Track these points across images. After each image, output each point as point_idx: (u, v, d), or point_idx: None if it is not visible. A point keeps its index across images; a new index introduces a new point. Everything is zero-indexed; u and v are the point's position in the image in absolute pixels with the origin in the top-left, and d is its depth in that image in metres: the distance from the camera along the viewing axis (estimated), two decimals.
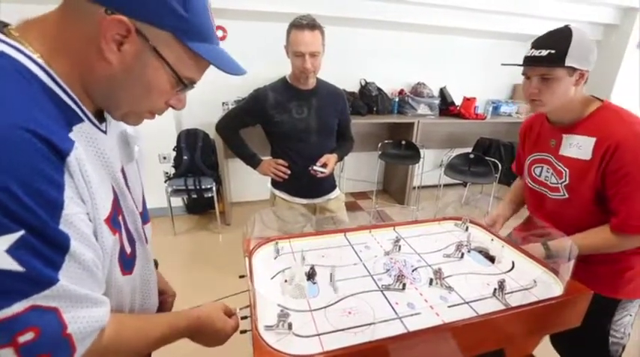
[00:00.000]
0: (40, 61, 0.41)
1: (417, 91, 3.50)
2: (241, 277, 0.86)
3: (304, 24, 1.24)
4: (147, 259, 0.64)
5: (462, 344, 0.70)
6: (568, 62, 0.86)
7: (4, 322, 0.35)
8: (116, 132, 0.58)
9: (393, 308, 0.73)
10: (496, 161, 2.74)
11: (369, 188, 3.82)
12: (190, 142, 2.80)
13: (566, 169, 0.98)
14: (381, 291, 0.79)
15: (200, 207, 3.13)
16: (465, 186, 3.56)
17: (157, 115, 0.56)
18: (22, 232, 0.35)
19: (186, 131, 2.85)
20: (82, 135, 0.45)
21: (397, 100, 3.52)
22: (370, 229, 1.07)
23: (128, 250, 0.55)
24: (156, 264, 0.77)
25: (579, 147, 0.94)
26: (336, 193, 1.65)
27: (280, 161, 1.47)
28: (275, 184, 1.57)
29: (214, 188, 2.74)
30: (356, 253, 0.96)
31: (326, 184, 1.58)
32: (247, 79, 3.53)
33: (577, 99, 0.95)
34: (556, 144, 1.01)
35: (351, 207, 3.58)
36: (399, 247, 0.95)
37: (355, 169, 3.75)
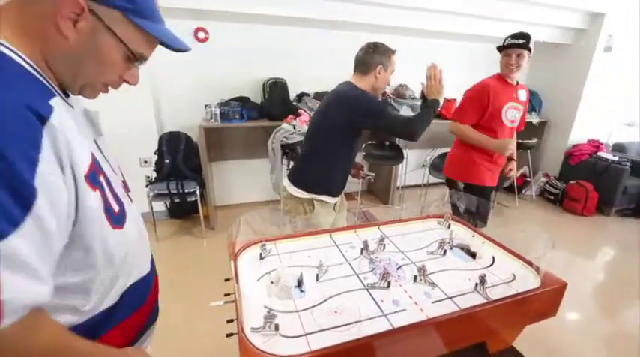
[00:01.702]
0: (7, 44, 0.45)
1: (400, 92, 3.56)
2: (227, 280, 0.85)
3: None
4: (136, 219, 0.65)
5: (446, 338, 0.72)
6: (530, 46, 1.72)
7: None
8: (80, 109, 0.61)
9: (378, 306, 0.75)
10: None
11: (354, 189, 3.85)
12: (172, 146, 2.74)
13: (521, 106, 1.88)
14: (367, 289, 0.80)
15: (183, 211, 3.06)
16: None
17: (111, 89, 0.60)
18: None
19: (168, 134, 2.79)
20: (58, 105, 0.47)
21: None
22: (355, 228, 1.09)
23: (116, 208, 0.55)
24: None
25: (523, 94, 1.90)
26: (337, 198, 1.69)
27: None
28: (312, 188, 1.47)
29: (198, 192, 2.70)
30: (342, 252, 0.96)
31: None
32: (229, 81, 3.50)
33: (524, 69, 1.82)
34: (516, 95, 1.85)
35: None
36: (384, 245, 0.97)
37: None
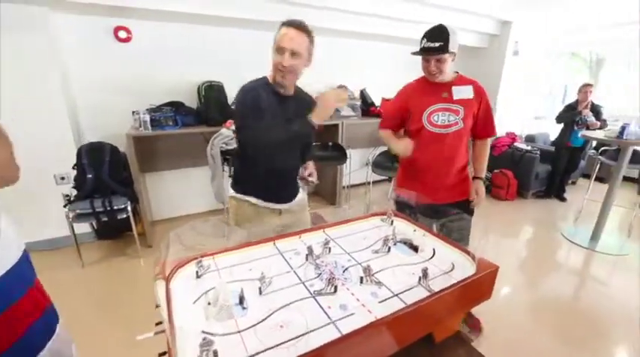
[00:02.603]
0: None
1: None
2: (158, 306, 0.76)
3: (294, 22, 1.24)
4: None
5: (396, 336, 0.72)
6: (450, 49, 1.42)
7: None
8: None
9: (326, 313, 0.72)
10: None
11: None
12: (95, 158, 2.44)
13: (461, 107, 1.53)
14: (314, 297, 0.77)
15: (114, 231, 2.76)
16: (391, 181, 3.80)
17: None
18: None
19: (89, 145, 2.49)
20: None
21: None
22: (300, 234, 1.05)
23: None
24: None
25: (465, 91, 1.54)
26: (302, 194, 1.55)
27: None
28: (242, 188, 1.41)
29: (129, 207, 2.44)
30: (286, 261, 0.92)
31: (293, 188, 1.49)
32: (159, 85, 3.25)
33: (451, 68, 1.54)
34: (448, 95, 1.54)
35: None
36: (329, 249, 0.95)
37: None
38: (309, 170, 1.46)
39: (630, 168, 2.98)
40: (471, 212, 1.66)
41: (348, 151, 3.15)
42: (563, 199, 4.12)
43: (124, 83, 2.76)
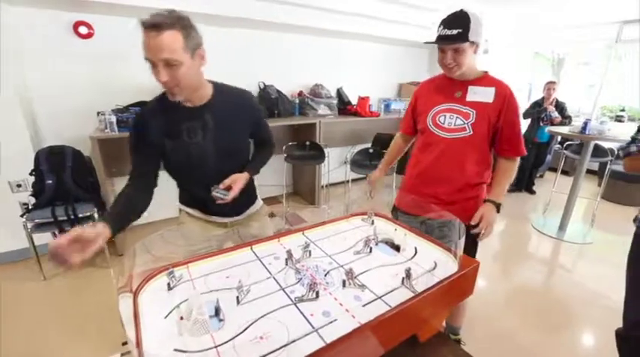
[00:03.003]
0: None
1: (316, 92, 3.59)
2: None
3: (152, 22, 0.90)
4: None
5: (381, 340, 0.69)
6: (470, 38, 1.16)
7: None
8: None
9: (308, 321, 0.68)
10: None
11: (279, 192, 3.77)
12: (55, 163, 2.28)
13: (472, 110, 1.26)
14: (295, 304, 0.73)
15: None
16: None
17: None
18: None
19: (49, 149, 2.31)
20: None
21: (298, 101, 3.55)
22: (279, 237, 1.01)
23: None
24: None
25: (483, 94, 1.26)
26: (258, 205, 1.40)
27: None
28: (187, 201, 1.29)
29: (96, 215, 2.29)
30: (265, 266, 0.88)
31: (245, 199, 1.29)
32: (127, 84, 3.09)
33: (474, 62, 1.26)
34: (462, 94, 1.28)
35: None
36: (310, 252, 0.91)
37: (263, 174, 3.63)
38: (226, 184, 1.12)
39: (592, 161, 3.15)
40: (473, 239, 1.26)
41: (325, 150, 3.13)
42: (532, 192, 4.30)
43: (87, 83, 2.59)
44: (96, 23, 2.51)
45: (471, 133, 1.26)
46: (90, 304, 2.06)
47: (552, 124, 3.78)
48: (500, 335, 1.87)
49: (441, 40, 1.20)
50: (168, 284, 0.78)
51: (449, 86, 1.32)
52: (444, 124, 1.30)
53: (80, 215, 2.23)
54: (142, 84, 2.80)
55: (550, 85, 3.85)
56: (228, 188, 1.11)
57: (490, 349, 1.76)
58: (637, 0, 3.58)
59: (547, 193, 3.96)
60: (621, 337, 1.26)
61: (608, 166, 3.36)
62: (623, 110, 4.86)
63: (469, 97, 1.27)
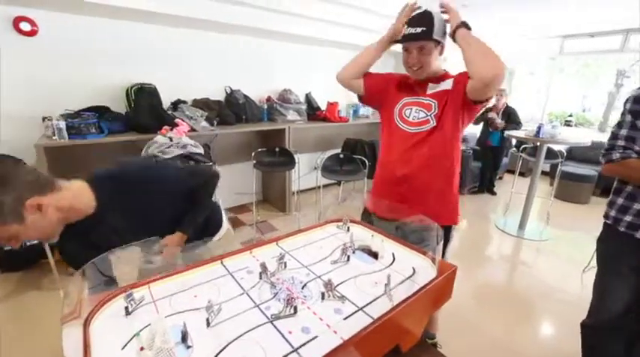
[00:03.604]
0: None
1: (284, 97, 3.55)
2: None
3: None
4: None
5: (365, 355, 0.66)
6: (435, 36, 1.18)
7: None
8: None
9: (286, 340, 0.63)
10: (363, 159, 3.02)
11: (248, 200, 3.66)
12: None
13: (433, 100, 1.25)
14: (271, 322, 0.67)
15: (22, 261, 2.32)
16: (340, 185, 3.82)
17: None
18: None
19: None
20: None
21: (266, 107, 3.49)
22: (250, 249, 0.94)
23: None
24: None
25: (442, 86, 1.27)
26: (223, 230, 1.36)
27: None
28: None
29: None
30: (237, 281, 0.81)
31: (208, 230, 1.27)
32: (77, 87, 2.86)
33: (438, 64, 1.29)
34: (422, 90, 1.30)
35: (232, 223, 3.35)
36: (285, 263, 0.86)
37: (231, 182, 3.52)
38: (163, 244, 1.05)
39: (546, 163, 3.38)
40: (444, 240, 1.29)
41: (296, 156, 3.08)
42: (493, 193, 4.53)
43: (31, 85, 2.35)
44: (40, 19, 2.29)
45: (434, 124, 1.24)
46: (36, 329, 1.84)
47: (495, 128, 4.04)
48: (469, 329, 1.94)
49: (406, 38, 1.22)
50: (126, 308, 0.69)
51: (411, 84, 1.33)
52: (409, 117, 1.29)
53: None
54: (96, 88, 2.61)
55: (498, 93, 4.13)
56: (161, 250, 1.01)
57: (460, 343, 1.80)
58: (576, 17, 3.94)
59: (507, 194, 4.18)
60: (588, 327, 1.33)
61: (559, 167, 3.62)
62: (570, 116, 5.32)
63: (429, 91, 1.29)
